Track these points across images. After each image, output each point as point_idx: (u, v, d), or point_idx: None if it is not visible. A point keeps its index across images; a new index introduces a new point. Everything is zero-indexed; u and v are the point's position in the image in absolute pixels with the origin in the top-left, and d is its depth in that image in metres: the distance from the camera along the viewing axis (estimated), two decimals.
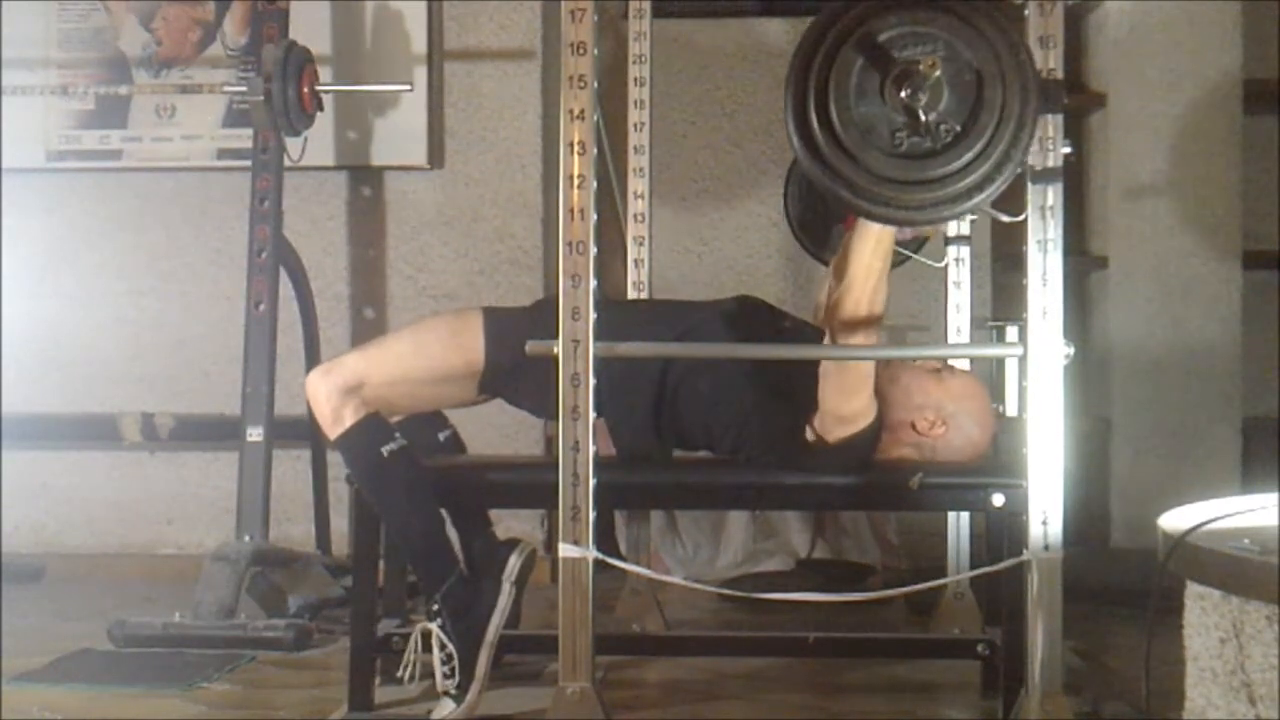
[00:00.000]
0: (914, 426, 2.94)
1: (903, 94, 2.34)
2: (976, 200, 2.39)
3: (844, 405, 2.81)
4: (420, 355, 2.96)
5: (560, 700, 2.65)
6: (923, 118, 2.34)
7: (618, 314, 2.94)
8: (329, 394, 2.90)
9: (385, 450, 2.89)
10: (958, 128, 2.36)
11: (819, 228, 3.68)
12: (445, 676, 2.88)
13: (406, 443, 2.92)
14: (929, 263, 3.73)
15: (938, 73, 2.32)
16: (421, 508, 2.94)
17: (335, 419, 2.90)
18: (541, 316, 2.76)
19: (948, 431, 2.94)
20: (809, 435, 2.86)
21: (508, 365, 2.93)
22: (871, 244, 2.66)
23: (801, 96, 2.39)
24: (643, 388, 2.95)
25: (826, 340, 2.80)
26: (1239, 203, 4.60)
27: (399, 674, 2.96)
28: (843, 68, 2.37)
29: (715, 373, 2.95)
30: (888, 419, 2.93)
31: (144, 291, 4.75)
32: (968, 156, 2.36)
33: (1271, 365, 4.72)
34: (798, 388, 2.84)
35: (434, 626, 2.90)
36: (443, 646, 2.88)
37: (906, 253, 3.55)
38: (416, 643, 2.92)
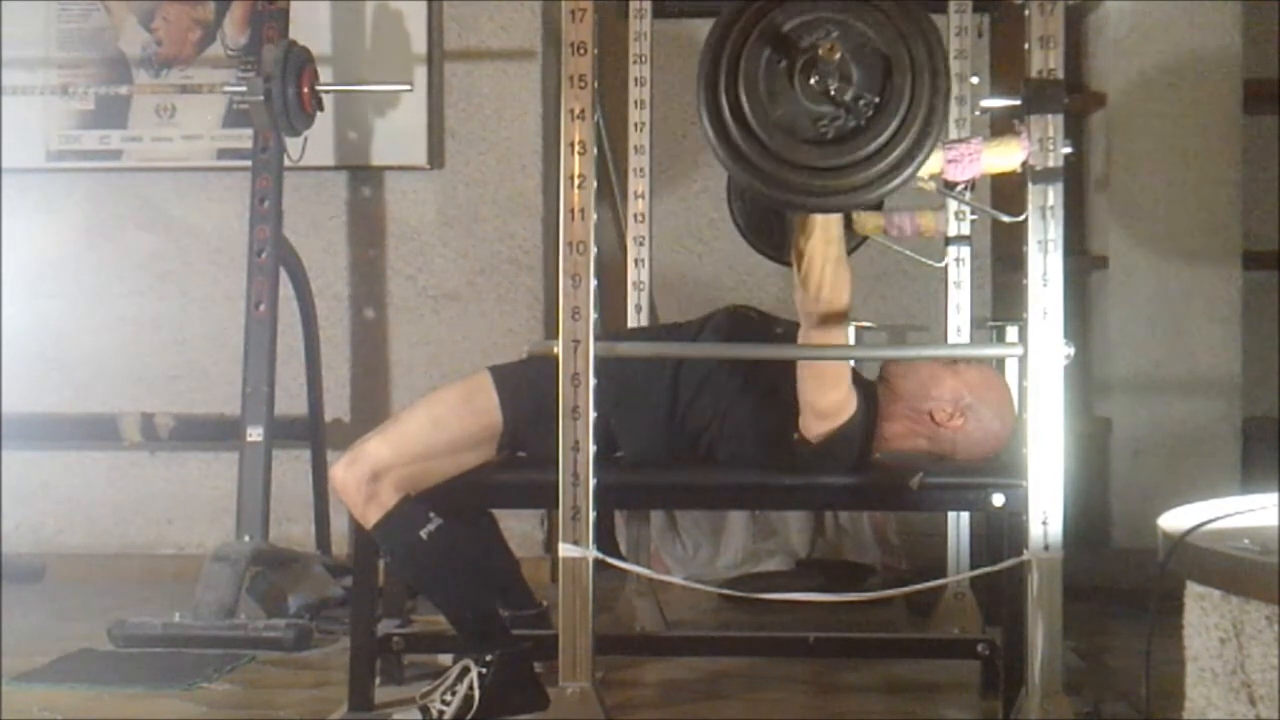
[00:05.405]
0: (933, 417, 2.94)
1: (812, 81, 2.36)
2: (906, 174, 2.38)
3: (820, 399, 2.80)
4: (439, 429, 2.95)
5: (560, 700, 2.65)
6: (837, 97, 2.35)
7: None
8: (357, 485, 2.89)
9: (424, 534, 2.89)
10: (875, 99, 2.36)
11: (775, 230, 3.68)
12: (444, 702, 2.87)
13: (442, 521, 2.91)
14: (929, 263, 3.73)
15: (838, 55, 2.33)
16: (466, 585, 2.96)
17: (368, 509, 2.90)
18: (544, 363, 2.76)
19: (966, 423, 2.93)
20: (795, 436, 2.86)
21: (526, 418, 2.94)
22: (818, 231, 2.61)
23: (715, 104, 2.39)
24: (657, 404, 2.96)
25: (800, 337, 2.78)
26: (1239, 203, 4.60)
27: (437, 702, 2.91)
28: (750, 67, 2.38)
29: (714, 389, 2.95)
30: (905, 410, 2.94)
31: (144, 291, 4.75)
32: (893, 126, 2.36)
33: (1271, 365, 4.72)
34: (786, 394, 2.84)
35: (478, 670, 2.87)
36: (469, 691, 2.86)
37: (901, 248, 3.55)
38: (453, 672, 2.89)
